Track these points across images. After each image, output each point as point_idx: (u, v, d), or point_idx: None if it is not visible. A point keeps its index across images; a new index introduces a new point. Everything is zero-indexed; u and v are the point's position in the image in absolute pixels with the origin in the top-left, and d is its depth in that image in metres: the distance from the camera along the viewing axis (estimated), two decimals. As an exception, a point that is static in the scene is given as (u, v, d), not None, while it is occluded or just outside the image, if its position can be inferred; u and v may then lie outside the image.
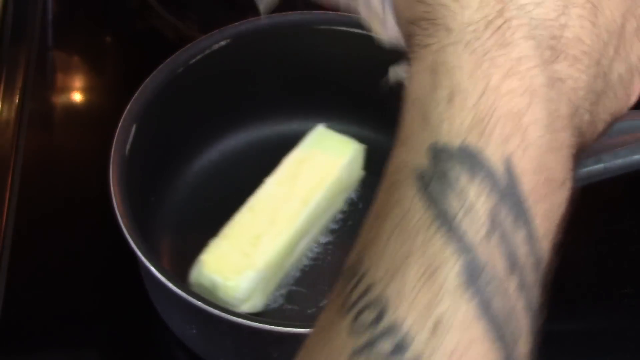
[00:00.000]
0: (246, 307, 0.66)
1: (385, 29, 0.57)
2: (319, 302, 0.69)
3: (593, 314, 0.71)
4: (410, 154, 0.34)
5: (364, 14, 0.55)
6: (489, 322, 0.32)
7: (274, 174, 0.70)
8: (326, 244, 0.72)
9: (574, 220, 0.80)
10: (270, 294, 0.69)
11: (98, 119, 0.83)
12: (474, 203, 0.32)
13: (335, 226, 0.73)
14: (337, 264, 0.71)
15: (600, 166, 0.66)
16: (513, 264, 0.33)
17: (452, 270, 0.32)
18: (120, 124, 0.67)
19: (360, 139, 0.75)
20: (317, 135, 0.73)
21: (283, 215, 0.68)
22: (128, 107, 0.68)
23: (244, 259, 0.66)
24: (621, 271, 0.73)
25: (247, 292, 0.65)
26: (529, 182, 0.33)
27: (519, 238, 0.34)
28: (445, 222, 0.32)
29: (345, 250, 0.74)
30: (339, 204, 0.74)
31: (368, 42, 0.72)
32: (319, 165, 0.71)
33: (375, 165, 0.74)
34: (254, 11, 0.75)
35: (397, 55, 0.71)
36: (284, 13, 0.73)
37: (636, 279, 0.73)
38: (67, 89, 0.87)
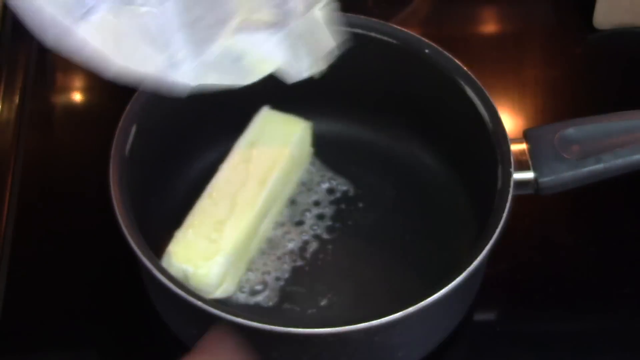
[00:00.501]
0: (219, 293, 0.67)
1: None
2: (318, 302, 0.69)
3: (593, 314, 0.71)
4: None
5: None
6: None
7: (227, 159, 0.71)
8: (326, 243, 0.72)
9: (574, 220, 0.81)
10: (240, 277, 0.69)
11: (98, 119, 0.83)
12: None
13: (335, 226, 0.73)
14: (337, 264, 0.71)
15: (600, 166, 0.66)
16: None
17: None
18: (120, 124, 0.67)
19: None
20: (264, 117, 0.74)
21: (243, 199, 0.69)
22: (128, 107, 0.68)
23: (212, 245, 0.66)
24: (621, 271, 0.73)
25: (218, 277, 0.66)
26: None
27: None
28: None
29: (345, 250, 0.75)
30: (293, 182, 0.74)
31: (368, 43, 0.73)
32: (271, 146, 0.72)
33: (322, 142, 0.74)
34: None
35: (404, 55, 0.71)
36: (284, 13, 0.73)
37: (636, 279, 0.73)
38: (67, 89, 0.87)
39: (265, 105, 0.74)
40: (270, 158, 0.71)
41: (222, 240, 0.67)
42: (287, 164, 0.72)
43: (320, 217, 0.73)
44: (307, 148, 0.75)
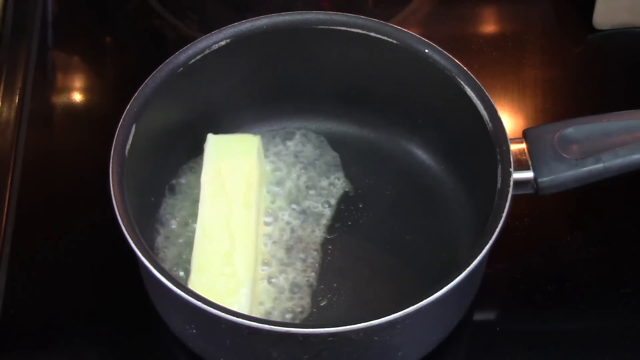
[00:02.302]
0: None
1: None
2: (318, 302, 0.69)
3: (593, 314, 0.71)
4: None
5: None
6: None
7: (202, 195, 0.70)
8: (326, 243, 0.72)
9: (574, 220, 0.81)
10: (259, 301, 0.69)
11: (98, 119, 0.83)
12: None
13: (335, 226, 0.73)
14: (337, 264, 0.71)
15: (600, 166, 0.66)
16: None
17: None
18: (120, 124, 0.67)
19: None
20: (215, 143, 0.73)
21: (237, 226, 0.69)
22: (128, 107, 0.68)
23: (230, 280, 0.66)
24: (621, 271, 0.73)
25: (248, 308, 0.66)
26: None
27: None
28: None
29: (345, 250, 0.75)
30: (264, 197, 0.74)
31: (368, 43, 0.73)
32: (237, 168, 0.71)
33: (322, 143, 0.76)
34: (253, 11, 0.75)
35: (402, 54, 0.72)
36: (283, 13, 0.73)
37: (636, 279, 0.73)
38: (67, 89, 0.87)
39: (209, 133, 0.73)
40: (242, 179, 0.71)
41: (237, 272, 0.67)
42: (258, 179, 0.72)
43: (320, 217, 0.73)
44: (263, 159, 0.75)
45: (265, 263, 0.71)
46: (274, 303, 0.69)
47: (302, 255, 0.71)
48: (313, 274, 0.70)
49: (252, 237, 0.69)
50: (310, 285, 0.70)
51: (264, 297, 0.69)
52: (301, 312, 0.68)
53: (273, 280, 0.70)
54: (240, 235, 0.68)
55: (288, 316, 0.68)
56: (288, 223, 0.73)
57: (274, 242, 0.72)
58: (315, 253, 0.71)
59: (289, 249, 0.71)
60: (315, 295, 0.69)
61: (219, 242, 0.68)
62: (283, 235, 0.72)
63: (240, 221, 0.69)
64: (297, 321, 0.68)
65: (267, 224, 0.73)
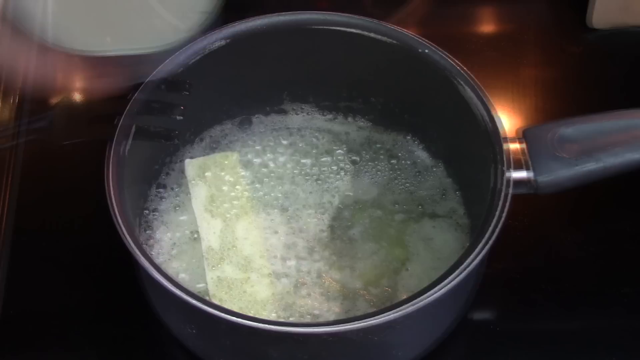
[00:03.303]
0: None
1: None
2: (318, 302, 0.69)
3: (593, 314, 0.71)
4: None
5: None
6: None
7: (199, 222, 0.71)
8: (326, 244, 0.72)
9: (573, 219, 0.81)
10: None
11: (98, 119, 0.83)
12: None
13: (335, 225, 0.73)
14: (337, 264, 0.71)
15: (600, 166, 0.66)
16: None
17: None
18: (120, 124, 0.67)
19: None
20: (197, 167, 0.74)
21: (243, 242, 0.70)
22: (128, 106, 0.68)
23: (252, 296, 0.67)
24: (620, 271, 0.73)
25: (276, 317, 0.67)
26: None
27: None
28: None
29: (345, 249, 0.74)
30: (261, 201, 0.75)
31: (367, 43, 0.73)
32: (225, 186, 0.72)
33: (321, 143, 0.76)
34: (253, 11, 0.75)
35: (400, 54, 0.72)
36: (283, 13, 0.73)
37: (635, 278, 0.73)
38: (67, 89, 0.87)
39: (186, 159, 0.74)
40: (233, 195, 0.71)
41: (256, 286, 0.68)
42: (250, 193, 0.72)
43: (320, 217, 0.74)
44: (242, 172, 0.76)
45: (269, 267, 0.71)
46: (276, 304, 0.69)
47: (302, 257, 0.71)
48: (313, 274, 0.70)
49: (261, 249, 0.69)
50: (310, 286, 0.70)
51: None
52: (302, 312, 0.69)
53: (275, 282, 0.70)
54: (249, 250, 0.68)
55: (290, 317, 0.68)
56: (288, 224, 0.73)
57: (275, 244, 0.72)
58: (315, 254, 0.72)
59: (289, 251, 0.72)
60: (315, 295, 0.69)
61: (230, 262, 0.68)
62: (283, 237, 0.72)
63: (245, 236, 0.69)
64: (298, 321, 0.68)
65: (267, 227, 0.73)
